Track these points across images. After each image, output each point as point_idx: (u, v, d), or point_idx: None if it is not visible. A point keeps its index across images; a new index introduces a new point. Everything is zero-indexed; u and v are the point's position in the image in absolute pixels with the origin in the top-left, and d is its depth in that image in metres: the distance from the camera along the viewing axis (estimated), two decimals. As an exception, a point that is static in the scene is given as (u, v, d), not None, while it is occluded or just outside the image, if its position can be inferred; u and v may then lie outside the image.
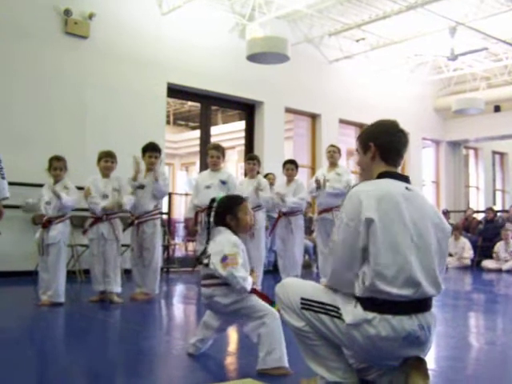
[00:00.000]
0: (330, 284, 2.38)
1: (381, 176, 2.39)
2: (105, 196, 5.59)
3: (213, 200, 3.26)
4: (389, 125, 2.49)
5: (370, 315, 2.20)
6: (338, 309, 2.29)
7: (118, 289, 5.59)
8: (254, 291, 3.04)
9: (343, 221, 2.28)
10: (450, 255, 11.09)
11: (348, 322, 2.24)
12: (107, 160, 5.65)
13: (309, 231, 9.66)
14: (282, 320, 2.51)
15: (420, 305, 2.25)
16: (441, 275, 2.33)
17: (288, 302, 2.45)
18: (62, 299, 5.29)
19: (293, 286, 2.50)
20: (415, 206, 2.29)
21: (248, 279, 3.00)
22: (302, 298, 2.40)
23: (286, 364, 2.87)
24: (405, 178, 2.41)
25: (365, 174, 2.49)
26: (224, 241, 3.06)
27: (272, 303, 3.01)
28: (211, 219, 3.25)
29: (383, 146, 2.42)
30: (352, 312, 2.25)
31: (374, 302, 2.20)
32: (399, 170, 2.49)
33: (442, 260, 2.36)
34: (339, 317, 2.28)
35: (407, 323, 2.20)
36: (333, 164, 7.08)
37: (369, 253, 2.20)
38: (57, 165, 5.40)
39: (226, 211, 3.15)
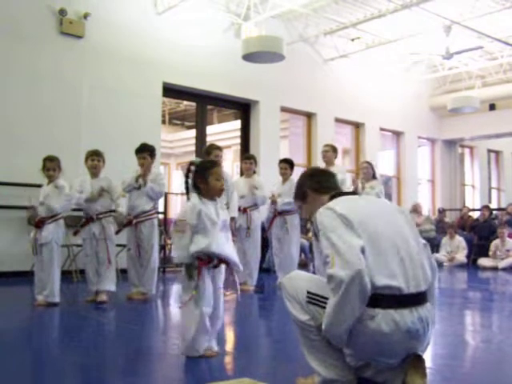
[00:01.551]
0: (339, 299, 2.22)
1: (332, 198, 2.55)
2: None
3: (191, 163, 3.26)
4: (309, 170, 2.93)
5: (372, 311, 2.21)
6: None
7: (112, 287, 5.58)
8: (200, 262, 3.10)
9: (328, 233, 2.30)
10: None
11: None
12: (93, 159, 5.65)
13: (305, 230, 9.66)
14: (288, 312, 2.50)
15: (417, 297, 2.29)
16: (425, 260, 2.39)
17: (294, 294, 2.45)
18: (57, 299, 5.28)
19: (300, 279, 2.51)
20: (377, 205, 2.56)
21: (182, 249, 3.06)
22: (309, 292, 2.41)
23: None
24: (353, 193, 2.76)
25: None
26: (186, 206, 3.16)
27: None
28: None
29: (315, 186, 2.68)
30: None
31: (375, 298, 2.21)
32: None
33: (417, 240, 2.43)
34: None
35: (408, 316, 2.23)
36: (328, 163, 7.09)
37: None
38: (50, 165, 5.37)
39: (198, 175, 3.23)
